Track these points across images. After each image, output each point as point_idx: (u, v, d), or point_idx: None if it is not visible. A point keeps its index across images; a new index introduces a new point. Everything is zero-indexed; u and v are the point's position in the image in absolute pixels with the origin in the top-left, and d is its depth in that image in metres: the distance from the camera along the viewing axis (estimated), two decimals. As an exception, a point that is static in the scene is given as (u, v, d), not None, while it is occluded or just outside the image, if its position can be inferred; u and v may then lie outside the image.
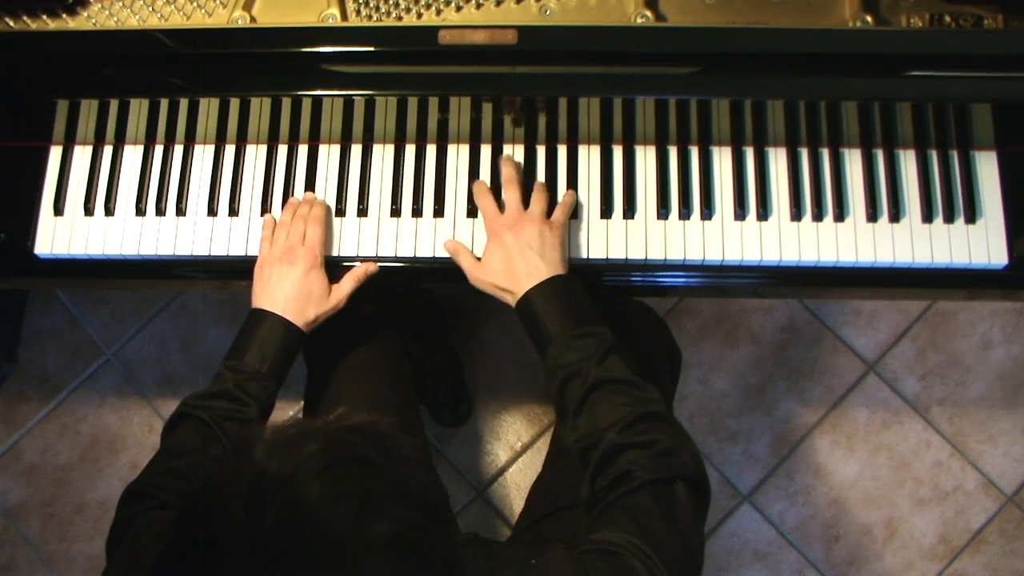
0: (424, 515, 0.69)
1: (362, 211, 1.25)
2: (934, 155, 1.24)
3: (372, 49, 1.14)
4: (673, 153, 1.25)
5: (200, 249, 1.25)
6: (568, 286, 1.11)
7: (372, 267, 1.22)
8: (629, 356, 1.07)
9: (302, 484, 0.65)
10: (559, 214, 1.18)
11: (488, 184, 1.23)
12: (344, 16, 1.18)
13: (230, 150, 1.28)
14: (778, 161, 1.25)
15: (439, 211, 1.24)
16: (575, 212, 1.24)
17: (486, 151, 1.26)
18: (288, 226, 1.20)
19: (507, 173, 1.20)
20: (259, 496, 0.64)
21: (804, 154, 1.25)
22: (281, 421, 0.72)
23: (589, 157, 1.25)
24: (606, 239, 1.23)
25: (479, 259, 1.18)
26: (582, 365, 1.03)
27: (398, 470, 0.70)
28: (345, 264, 1.24)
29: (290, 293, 1.15)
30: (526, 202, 1.18)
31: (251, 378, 1.11)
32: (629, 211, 1.23)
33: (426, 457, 1.32)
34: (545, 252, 1.13)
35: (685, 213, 1.23)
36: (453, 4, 1.17)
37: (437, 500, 0.73)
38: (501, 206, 1.20)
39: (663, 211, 1.23)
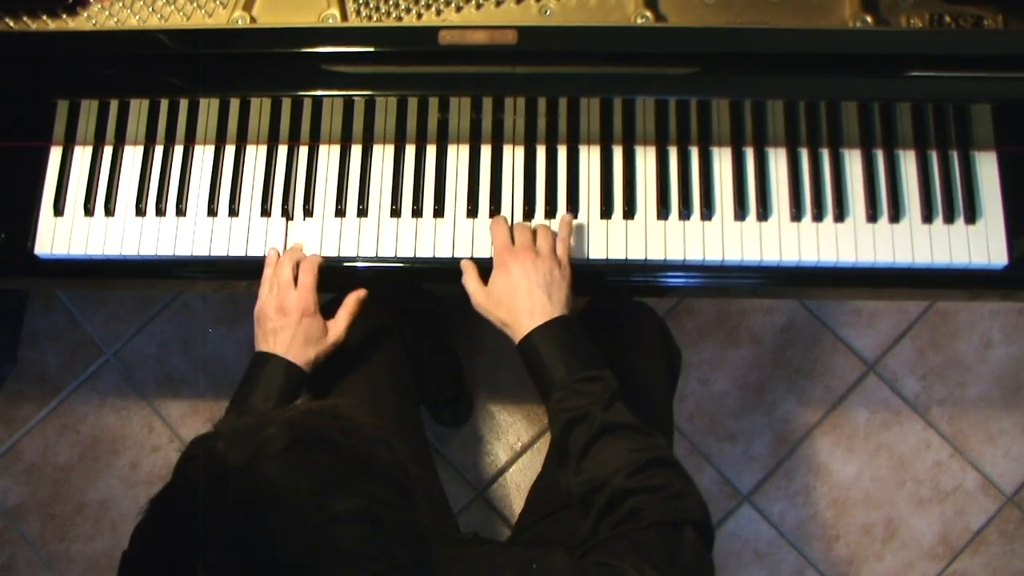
0: (388, 491, 0.70)
1: (362, 211, 1.25)
2: (934, 155, 1.24)
3: (372, 49, 1.14)
4: (673, 153, 1.25)
5: (200, 249, 1.25)
6: (572, 328, 1.11)
7: (362, 293, 1.22)
8: (631, 404, 1.06)
9: (262, 465, 0.66)
10: (563, 252, 1.17)
11: (488, 184, 1.24)
12: (344, 16, 1.18)
13: (230, 150, 1.28)
14: (778, 161, 1.25)
15: (439, 211, 1.24)
16: (575, 212, 1.23)
17: (486, 151, 1.26)
18: (279, 268, 1.20)
19: (519, 226, 1.20)
20: (222, 482, 0.65)
21: (804, 154, 1.25)
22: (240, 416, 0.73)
23: (589, 157, 1.25)
24: (606, 239, 1.23)
25: (483, 285, 1.17)
26: (588, 410, 1.03)
27: (360, 448, 0.71)
28: (346, 265, 1.24)
29: (288, 341, 1.17)
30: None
31: None
32: (629, 211, 1.23)
33: (421, 453, 1.32)
34: (552, 292, 1.12)
35: (685, 213, 1.23)
36: (453, 4, 1.17)
37: (400, 475, 0.73)
38: None
39: (663, 211, 1.23)
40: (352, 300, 1.22)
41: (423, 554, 0.72)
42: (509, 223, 1.21)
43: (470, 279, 1.18)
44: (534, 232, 1.18)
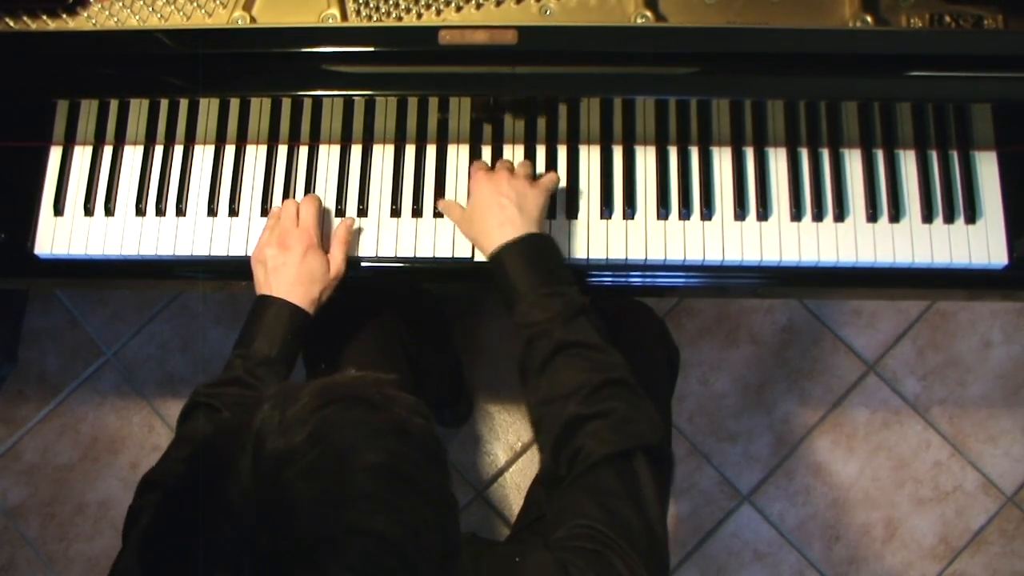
0: (420, 454, 0.71)
1: (362, 211, 1.25)
2: (934, 155, 1.24)
3: (372, 49, 1.14)
4: (673, 153, 1.25)
5: (200, 249, 1.25)
6: (542, 245, 1.10)
7: (350, 222, 1.22)
8: (599, 320, 1.05)
9: (297, 422, 0.67)
10: (546, 179, 1.18)
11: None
12: (344, 16, 1.18)
13: (230, 150, 1.28)
14: (778, 161, 1.25)
15: (439, 211, 1.24)
16: (575, 212, 1.24)
17: (486, 151, 1.26)
18: (280, 211, 1.21)
19: (502, 161, 1.22)
20: (264, 439, 0.67)
21: (804, 154, 1.25)
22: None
23: (589, 157, 1.25)
24: (606, 239, 1.22)
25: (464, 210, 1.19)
26: (548, 325, 1.03)
27: (397, 412, 0.72)
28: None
29: (292, 278, 1.15)
30: None
31: (261, 363, 1.12)
32: (629, 211, 1.23)
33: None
34: (524, 205, 1.12)
35: (685, 213, 1.23)
36: (453, 4, 1.17)
37: (435, 447, 0.73)
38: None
39: (663, 211, 1.23)
40: (343, 229, 1.21)
41: (449, 523, 0.73)
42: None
43: (454, 212, 1.20)
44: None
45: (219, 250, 1.25)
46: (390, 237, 1.24)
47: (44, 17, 1.20)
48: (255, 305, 1.16)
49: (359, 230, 1.24)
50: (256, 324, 1.14)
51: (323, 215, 1.23)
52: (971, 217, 1.22)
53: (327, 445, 0.67)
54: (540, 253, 1.09)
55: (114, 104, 1.30)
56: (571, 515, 0.91)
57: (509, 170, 1.17)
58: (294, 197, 1.26)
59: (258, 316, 1.14)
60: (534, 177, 1.20)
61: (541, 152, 1.26)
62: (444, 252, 1.23)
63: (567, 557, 0.87)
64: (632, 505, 0.91)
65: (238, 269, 1.26)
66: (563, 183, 1.25)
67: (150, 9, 1.20)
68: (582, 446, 0.94)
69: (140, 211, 1.27)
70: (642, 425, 0.97)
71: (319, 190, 1.26)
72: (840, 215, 1.23)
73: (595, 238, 1.23)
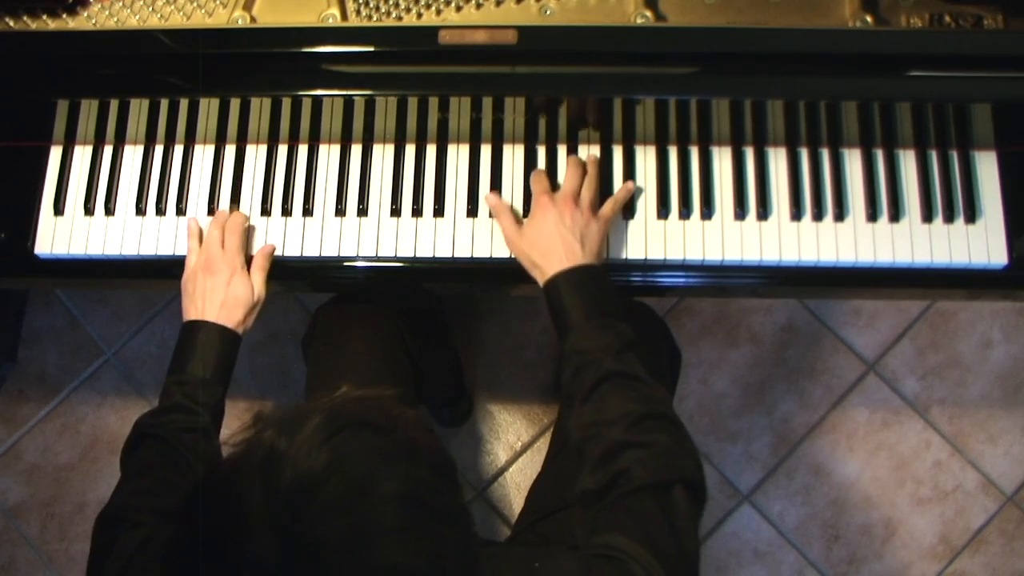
0: (433, 474, 0.71)
1: (362, 211, 1.25)
2: (934, 155, 1.24)
3: (372, 49, 1.14)
4: (673, 153, 1.25)
5: (200, 249, 1.25)
6: (599, 277, 1.12)
7: (269, 248, 1.23)
8: (645, 355, 1.07)
9: (311, 452, 0.66)
10: (608, 209, 1.19)
11: (488, 184, 1.24)
12: (344, 16, 1.18)
13: (230, 150, 1.28)
14: (778, 161, 1.24)
15: (439, 211, 1.24)
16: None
17: (486, 151, 1.26)
18: (213, 234, 1.21)
19: (574, 160, 1.21)
20: (274, 470, 0.66)
21: (804, 154, 1.25)
22: (283, 406, 0.73)
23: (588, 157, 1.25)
24: (606, 241, 1.22)
25: (519, 224, 1.18)
26: (599, 355, 1.04)
27: (404, 433, 0.71)
28: (346, 264, 1.24)
29: (218, 302, 1.17)
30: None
31: (197, 386, 1.13)
32: (629, 211, 1.23)
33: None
34: (586, 240, 1.13)
35: (685, 213, 1.23)
36: (453, 4, 1.17)
37: (444, 461, 0.74)
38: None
39: (663, 211, 1.23)
40: (261, 256, 1.22)
41: (468, 539, 0.73)
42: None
43: (504, 219, 1.19)
44: (582, 177, 1.19)
45: (219, 250, 1.25)
46: (390, 237, 1.24)
47: (44, 17, 1.20)
48: (183, 330, 1.18)
49: (358, 230, 1.25)
50: (188, 349, 1.15)
51: (248, 234, 1.24)
52: (971, 217, 1.22)
53: (346, 477, 0.66)
54: (596, 284, 1.11)
55: (114, 104, 1.30)
56: (606, 528, 0.92)
57: (575, 198, 1.17)
58: (294, 196, 1.26)
59: (189, 341, 1.16)
60: (600, 191, 1.19)
61: (541, 152, 1.26)
62: (444, 252, 1.23)
63: (592, 563, 0.88)
64: (668, 532, 0.91)
65: (238, 269, 1.26)
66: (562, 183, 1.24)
67: (150, 9, 1.20)
68: (626, 469, 0.95)
69: (140, 211, 1.27)
70: (685, 460, 0.98)
71: (319, 189, 1.26)
72: (840, 215, 1.23)
73: (595, 238, 1.23)
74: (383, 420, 0.72)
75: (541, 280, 1.13)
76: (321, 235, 1.25)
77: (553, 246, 1.12)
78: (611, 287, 1.13)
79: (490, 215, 1.24)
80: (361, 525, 0.65)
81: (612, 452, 0.97)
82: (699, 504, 0.98)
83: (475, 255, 1.23)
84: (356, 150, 1.27)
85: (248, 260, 1.22)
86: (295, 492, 0.65)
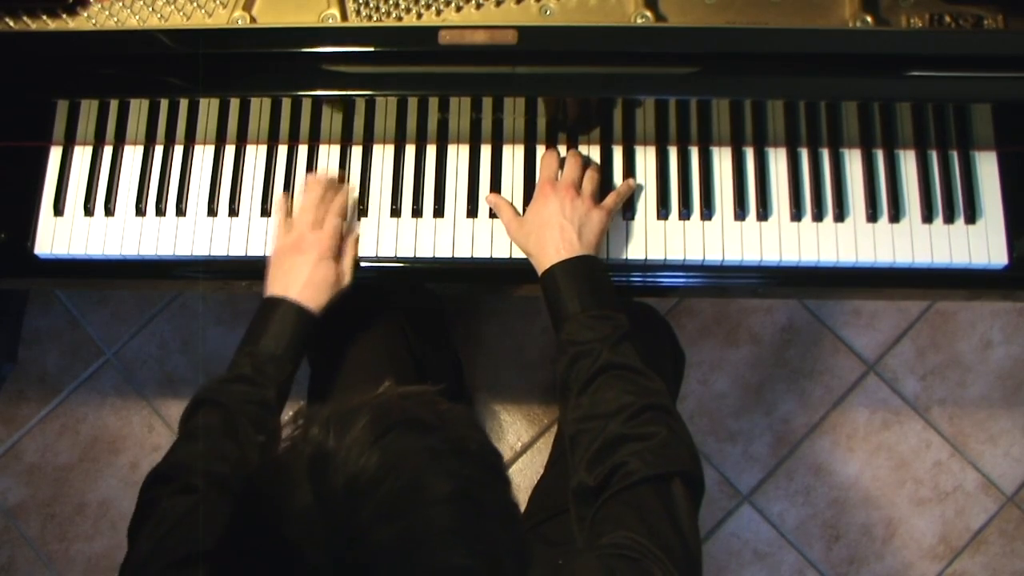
0: (483, 471, 0.70)
1: (362, 211, 1.25)
2: (934, 155, 1.24)
3: (372, 49, 1.14)
4: (673, 153, 1.25)
5: (200, 249, 1.25)
6: (595, 268, 1.12)
7: (356, 234, 1.22)
8: (641, 346, 1.07)
9: (363, 452, 0.65)
10: (611, 201, 1.19)
11: (488, 184, 1.24)
12: (344, 16, 1.18)
13: (230, 150, 1.28)
14: (778, 161, 1.25)
15: (439, 211, 1.24)
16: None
17: (486, 151, 1.26)
18: (309, 211, 1.20)
19: (573, 151, 1.22)
20: (323, 470, 0.65)
21: (804, 154, 1.25)
22: (335, 400, 0.72)
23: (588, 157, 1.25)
24: (606, 240, 1.22)
25: (520, 216, 1.19)
26: (595, 346, 1.04)
27: (453, 430, 0.71)
28: (345, 264, 1.24)
29: (302, 282, 1.15)
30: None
31: (268, 361, 1.11)
32: (629, 211, 1.23)
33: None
34: (584, 231, 1.13)
35: (685, 213, 1.23)
36: (453, 4, 1.17)
37: (493, 457, 0.73)
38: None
39: (663, 211, 1.23)
40: (351, 242, 1.22)
41: (519, 535, 0.73)
42: (560, 159, 1.22)
43: (504, 212, 1.20)
44: (584, 169, 1.19)
45: (219, 250, 1.25)
46: (390, 237, 1.24)
47: (44, 17, 1.20)
48: (262, 305, 1.16)
49: (360, 233, 1.25)
50: (263, 323, 1.14)
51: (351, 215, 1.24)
52: (971, 217, 1.22)
53: (398, 478, 0.65)
54: (592, 276, 1.11)
55: (114, 104, 1.30)
56: (612, 526, 0.92)
57: (576, 186, 1.17)
58: (294, 196, 1.26)
59: (265, 315, 1.14)
60: (600, 190, 1.19)
61: (541, 152, 1.26)
62: (444, 252, 1.23)
63: (611, 563, 0.88)
64: (670, 525, 0.91)
65: (238, 269, 1.26)
66: (563, 183, 1.24)
67: (150, 9, 1.20)
68: (623, 463, 0.95)
69: (140, 211, 1.27)
70: (681, 451, 0.98)
71: (319, 190, 1.25)
72: (840, 215, 1.23)
73: (595, 238, 1.23)
74: (431, 417, 0.71)
75: (539, 269, 1.13)
76: (321, 235, 1.24)
77: (551, 236, 1.12)
78: (607, 278, 1.13)
79: (490, 215, 1.24)
80: (415, 527, 0.64)
81: (609, 445, 0.97)
82: (697, 497, 0.98)
83: (475, 255, 1.23)
84: (356, 150, 1.27)
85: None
86: (348, 494, 0.64)
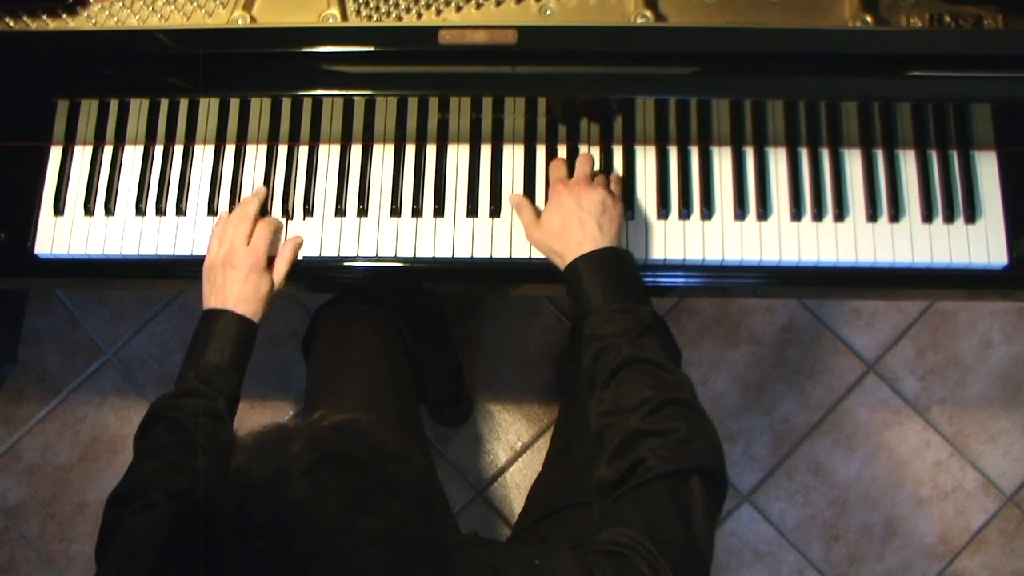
0: (412, 508, 0.70)
1: (362, 211, 1.25)
2: (934, 155, 1.24)
3: (372, 49, 1.14)
4: (673, 153, 1.25)
5: (200, 249, 1.25)
6: (618, 259, 1.11)
7: (298, 240, 1.23)
8: (667, 337, 1.06)
9: (287, 484, 0.65)
10: (617, 189, 1.19)
11: (488, 184, 1.24)
12: (344, 16, 1.18)
13: (230, 150, 1.28)
14: (778, 161, 1.25)
15: (439, 211, 1.24)
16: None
17: (486, 151, 1.26)
18: (233, 225, 1.20)
19: (582, 156, 1.22)
20: (246, 499, 0.65)
21: (804, 154, 1.25)
22: (261, 426, 0.72)
23: (589, 157, 1.25)
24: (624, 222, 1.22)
25: (538, 215, 1.18)
26: (618, 340, 1.03)
27: (383, 466, 0.71)
28: (346, 264, 1.24)
29: (235, 294, 1.17)
30: None
31: (213, 373, 1.13)
32: (629, 211, 1.23)
33: (417, 451, 1.32)
34: (603, 222, 1.12)
35: (685, 213, 1.23)
36: (453, 4, 1.17)
37: (424, 493, 0.73)
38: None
39: (663, 211, 1.23)
40: (289, 246, 1.22)
41: (448, 570, 0.72)
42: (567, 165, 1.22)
43: (524, 213, 1.19)
44: (592, 166, 1.20)
45: (219, 250, 1.25)
46: (390, 237, 1.24)
47: (44, 17, 1.20)
48: (202, 318, 1.18)
49: (358, 231, 1.25)
50: (205, 336, 1.15)
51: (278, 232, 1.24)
52: (971, 217, 1.22)
53: (323, 519, 0.65)
54: (616, 267, 1.10)
55: (114, 104, 1.30)
56: (615, 522, 0.92)
57: (588, 179, 1.17)
58: (294, 196, 1.26)
59: (207, 328, 1.16)
60: (608, 180, 1.20)
61: (541, 152, 1.26)
62: (444, 252, 1.23)
63: (594, 559, 0.88)
64: (679, 522, 0.91)
65: (238, 269, 1.26)
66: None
67: (150, 9, 1.20)
68: (642, 459, 0.94)
69: (140, 211, 1.27)
70: (701, 447, 0.97)
71: (319, 189, 1.26)
72: (840, 215, 1.23)
73: (595, 238, 1.23)
74: (362, 451, 0.70)
75: (561, 265, 1.12)
76: (321, 235, 1.25)
77: (572, 230, 1.12)
78: (632, 268, 1.12)
79: (490, 215, 1.24)
80: (340, 568, 0.64)
81: (629, 441, 0.97)
82: (717, 494, 0.97)
83: (475, 255, 1.23)
84: (356, 150, 1.27)
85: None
86: (270, 530, 0.64)
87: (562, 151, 1.26)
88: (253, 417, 1.90)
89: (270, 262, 1.21)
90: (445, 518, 1.29)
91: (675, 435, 0.96)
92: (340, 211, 1.25)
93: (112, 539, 0.97)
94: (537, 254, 1.21)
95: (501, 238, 1.23)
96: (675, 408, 0.99)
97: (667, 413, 0.98)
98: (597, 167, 1.25)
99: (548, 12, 1.17)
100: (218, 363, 1.13)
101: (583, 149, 1.25)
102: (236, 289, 1.17)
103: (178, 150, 1.29)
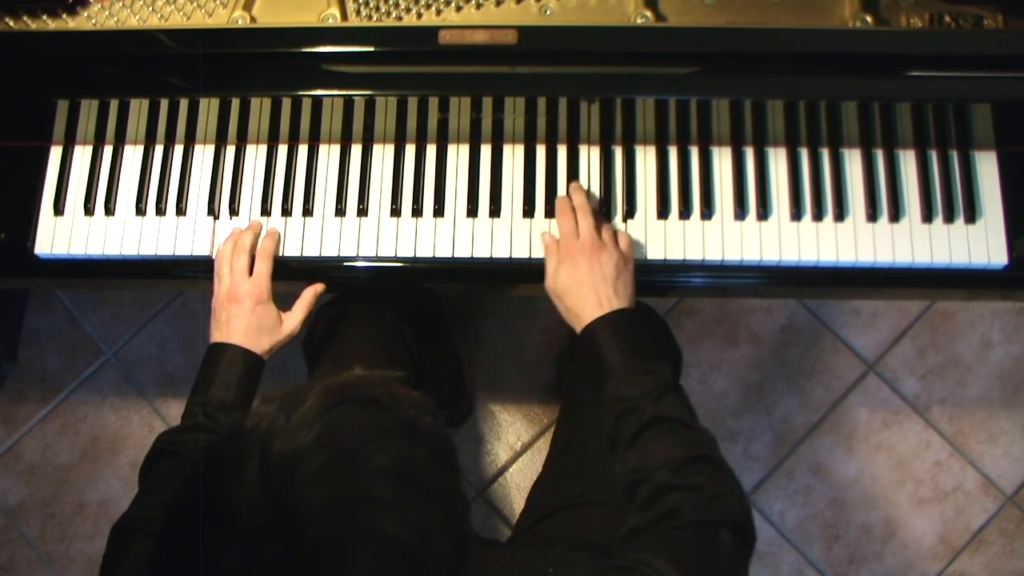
0: (429, 454, 0.71)
1: (362, 211, 1.25)
2: (934, 155, 1.24)
3: (372, 49, 1.14)
4: (673, 153, 1.25)
5: (200, 249, 1.25)
6: (634, 321, 1.11)
7: (319, 287, 1.24)
8: (685, 397, 1.07)
9: (308, 424, 0.67)
10: (626, 245, 1.17)
11: (488, 184, 1.24)
12: (344, 16, 1.18)
13: (230, 150, 1.28)
14: (778, 161, 1.25)
15: (439, 211, 1.24)
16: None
17: (486, 151, 1.26)
18: (232, 259, 1.20)
19: (579, 200, 1.19)
20: (270, 442, 0.67)
21: (804, 154, 1.25)
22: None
23: (589, 157, 1.25)
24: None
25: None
26: (640, 401, 1.04)
27: (405, 411, 0.72)
28: (346, 264, 1.24)
29: (241, 329, 1.17)
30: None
31: (219, 408, 1.13)
32: (629, 211, 1.23)
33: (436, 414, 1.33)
34: (619, 287, 1.12)
35: (685, 213, 1.23)
36: (453, 4, 1.17)
37: (443, 444, 0.74)
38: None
39: (663, 211, 1.23)
40: (309, 293, 1.23)
41: (460, 523, 0.73)
42: (571, 204, 1.19)
43: (551, 262, 1.17)
44: (587, 210, 1.18)
45: (219, 250, 1.25)
46: (390, 237, 1.24)
47: (44, 17, 1.20)
48: (207, 353, 1.18)
49: (358, 231, 1.25)
50: (211, 371, 1.16)
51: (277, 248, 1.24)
52: (971, 217, 1.22)
53: (336, 447, 0.67)
54: (633, 329, 1.10)
55: (114, 104, 1.30)
56: (638, 550, 0.92)
57: (598, 240, 1.14)
58: (294, 196, 1.26)
59: (212, 363, 1.16)
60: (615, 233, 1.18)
61: (541, 152, 1.26)
62: (444, 252, 1.23)
63: (612, 574, 0.88)
64: (700, 563, 0.92)
65: (238, 269, 1.26)
66: (563, 183, 1.24)
67: (150, 9, 1.20)
68: (676, 508, 0.95)
69: (140, 211, 1.27)
70: (730, 502, 0.98)
71: (319, 189, 1.26)
72: (840, 215, 1.23)
73: (595, 238, 1.22)
74: (384, 397, 0.72)
75: (578, 327, 1.12)
76: (321, 235, 1.25)
77: (588, 295, 1.12)
78: (647, 328, 1.14)
79: (490, 215, 1.24)
80: (348, 492, 0.66)
81: (659, 493, 0.97)
82: (747, 545, 0.99)
83: (475, 255, 1.23)
84: (356, 150, 1.27)
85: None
86: (287, 461, 0.66)
87: (562, 151, 1.26)
88: (253, 417, 1.89)
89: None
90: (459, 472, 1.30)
91: (705, 490, 0.97)
92: (340, 211, 1.25)
93: (118, 564, 0.98)
94: (537, 254, 1.21)
95: (501, 238, 1.23)
96: (703, 465, 1.00)
97: (695, 469, 0.99)
98: (597, 166, 1.25)
99: (548, 12, 1.17)
100: (224, 398, 1.14)
101: (583, 149, 1.25)
102: (243, 323, 1.17)
103: (178, 150, 1.29)
